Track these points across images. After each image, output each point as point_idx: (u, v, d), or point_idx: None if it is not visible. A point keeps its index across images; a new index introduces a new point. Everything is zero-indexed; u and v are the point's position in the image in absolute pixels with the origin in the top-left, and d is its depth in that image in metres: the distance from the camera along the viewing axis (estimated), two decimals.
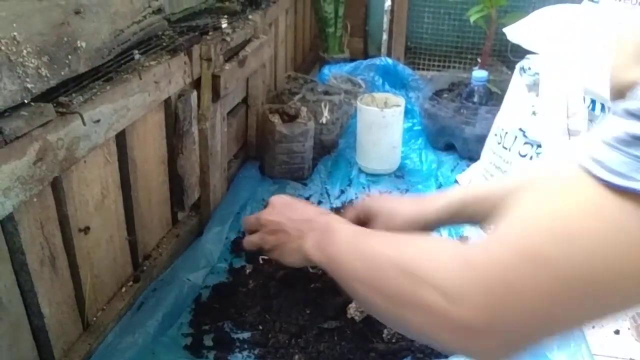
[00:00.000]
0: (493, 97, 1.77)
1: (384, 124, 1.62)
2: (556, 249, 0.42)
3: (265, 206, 0.94)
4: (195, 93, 1.18)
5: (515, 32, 1.43)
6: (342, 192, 1.59)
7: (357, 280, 0.57)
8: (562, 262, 0.42)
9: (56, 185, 0.81)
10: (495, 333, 0.44)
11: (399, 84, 2.21)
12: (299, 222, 0.80)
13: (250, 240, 0.95)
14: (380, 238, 0.60)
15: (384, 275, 0.52)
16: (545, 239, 0.43)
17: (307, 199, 1.53)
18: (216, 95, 1.24)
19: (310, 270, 1.16)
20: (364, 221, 0.96)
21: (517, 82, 1.46)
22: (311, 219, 0.77)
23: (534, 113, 1.37)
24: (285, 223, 0.83)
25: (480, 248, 0.47)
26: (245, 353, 1.03)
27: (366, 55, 2.58)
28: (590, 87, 1.20)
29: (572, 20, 1.31)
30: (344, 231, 0.67)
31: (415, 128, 1.95)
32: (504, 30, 1.47)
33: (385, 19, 2.37)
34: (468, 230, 1.39)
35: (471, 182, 1.58)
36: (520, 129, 1.39)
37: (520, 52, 1.51)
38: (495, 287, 0.43)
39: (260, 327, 1.08)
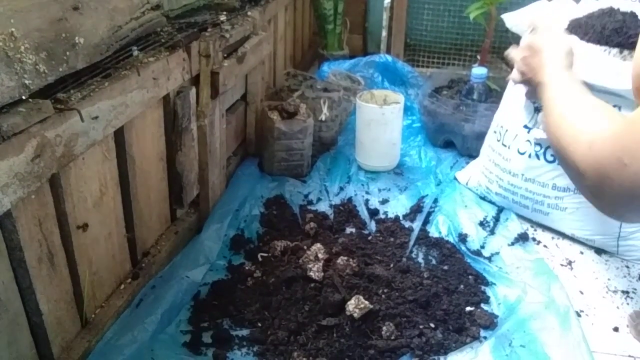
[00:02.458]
0: (492, 94, 1.76)
1: (383, 121, 1.62)
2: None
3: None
4: (194, 90, 1.17)
5: (513, 20, 1.43)
6: (341, 189, 1.59)
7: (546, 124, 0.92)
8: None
9: (54, 182, 0.81)
10: (602, 197, 0.71)
11: (398, 81, 2.21)
12: (535, 69, 1.10)
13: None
14: (561, 107, 0.89)
15: (551, 132, 0.87)
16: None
17: (306, 196, 1.53)
18: (215, 92, 1.24)
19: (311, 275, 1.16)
20: None
21: None
22: (542, 70, 1.07)
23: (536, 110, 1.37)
24: (528, 70, 1.15)
25: (607, 132, 0.71)
26: (244, 350, 1.03)
27: (365, 52, 2.58)
28: (588, 79, 1.19)
29: (571, 12, 1.31)
30: (550, 92, 0.98)
31: (415, 125, 1.95)
32: (502, 16, 1.47)
33: (385, 16, 2.36)
34: (467, 228, 1.39)
35: (470, 180, 1.58)
36: (525, 126, 1.38)
37: None
38: (599, 170, 0.69)
39: (259, 324, 1.08)
